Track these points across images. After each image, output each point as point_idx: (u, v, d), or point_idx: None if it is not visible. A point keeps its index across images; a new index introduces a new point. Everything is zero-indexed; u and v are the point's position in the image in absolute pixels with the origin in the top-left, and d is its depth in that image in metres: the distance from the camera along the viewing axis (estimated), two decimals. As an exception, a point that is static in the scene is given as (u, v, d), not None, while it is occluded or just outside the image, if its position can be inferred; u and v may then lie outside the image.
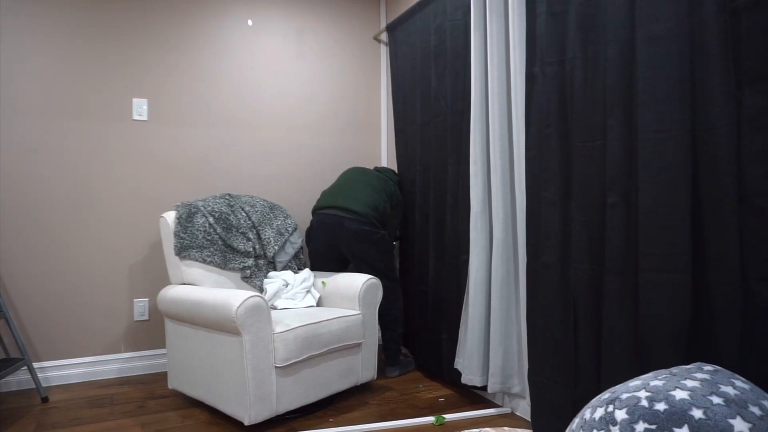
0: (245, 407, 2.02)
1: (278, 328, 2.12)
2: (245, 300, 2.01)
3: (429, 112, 2.77)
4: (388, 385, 2.62)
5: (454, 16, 2.50)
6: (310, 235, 2.81)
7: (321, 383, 2.27)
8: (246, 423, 2.01)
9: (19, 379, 2.62)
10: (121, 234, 2.82)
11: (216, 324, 2.08)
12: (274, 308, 2.53)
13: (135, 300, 2.85)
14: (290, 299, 2.57)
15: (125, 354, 2.82)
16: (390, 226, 2.90)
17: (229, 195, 2.79)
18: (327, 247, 2.74)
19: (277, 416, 2.16)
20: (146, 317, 2.87)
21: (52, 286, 2.69)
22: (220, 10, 3.04)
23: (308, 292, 2.63)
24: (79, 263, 2.74)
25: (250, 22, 3.12)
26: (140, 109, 2.85)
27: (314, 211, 2.82)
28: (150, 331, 2.89)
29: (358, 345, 2.44)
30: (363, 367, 2.46)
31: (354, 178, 2.88)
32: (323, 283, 2.64)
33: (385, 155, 3.50)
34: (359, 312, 2.44)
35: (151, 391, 2.57)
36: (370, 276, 2.51)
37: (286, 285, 2.63)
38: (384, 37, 3.45)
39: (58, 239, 2.70)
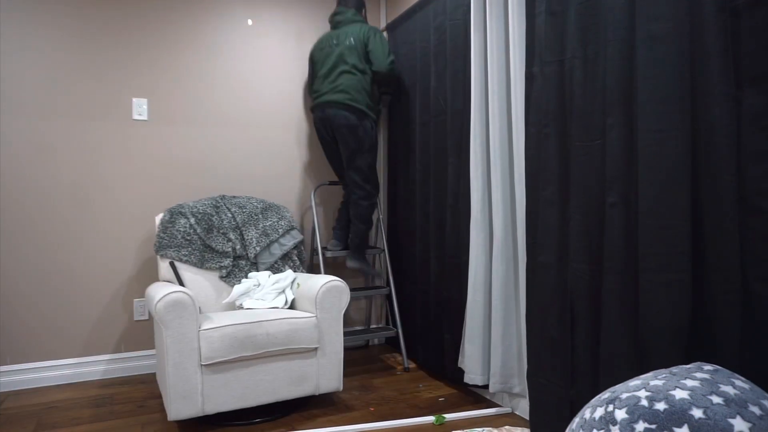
0: (167, 403, 2.03)
1: (205, 325, 2.09)
2: (165, 295, 2.01)
3: (429, 111, 2.77)
4: (388, 385, 2.62)
5: (454, 16, 2.50)
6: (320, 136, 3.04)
7: (264, 388, 2.18)
8: (168, 418, 2.03)
9: (19, 378, 2.62)
10: (122, 234, 2.82)
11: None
12: (241, 307, 2.52)
13: (135, 300, 2.85)
14: (260, 299, 2.53)
15: (126, 354, 2.82)
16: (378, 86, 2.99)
17: (222, 196, 2.81)
18: (328, 145, 3.00)
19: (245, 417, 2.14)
20: (146, 317, 2.87)
21: (53, 286, 2.69)
22: (220, 10, 3.04)
23: (281, 293, 2.56)
24: (80, 263, 2.74)
25: (250, 22, 3.12)
26: (140, 108, 2.85)
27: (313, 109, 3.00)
28: (150, 331, 2.89)
29: (312, 351, 2.29)
30: (321, 376, 2.31)
31: (334, 64, 2.89)
32: (298, 284, 2.55)
33: (384, 155, 3.50)
34: (314, 315, 2.31)
35: (151, 391, 2.57)
36: (333, 278, 2.37)
37: (258, 285, 2.60)
38: (384, 36, 3.44)
39: (59, 239, 2.70)
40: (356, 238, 2.97)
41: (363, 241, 2.98)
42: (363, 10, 3.11)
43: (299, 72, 3.26)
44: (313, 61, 3.03)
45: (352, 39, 2.87)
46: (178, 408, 2.02)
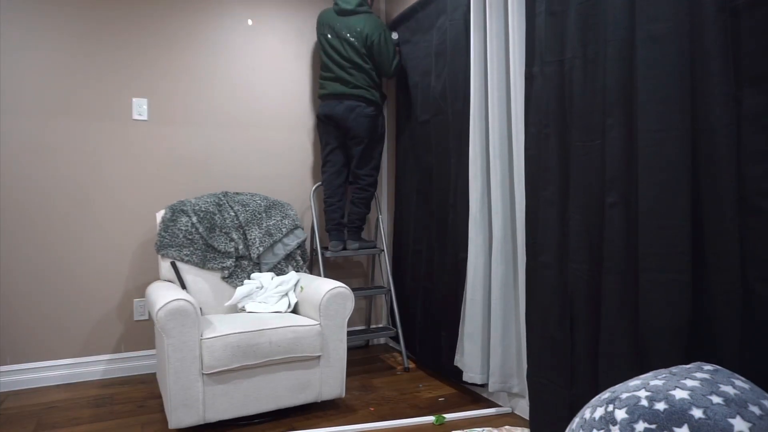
0: (168, 411, 2.01)
1: (207, 334, 2.05)
2: (167, 303, 1.96)
3: (429, 111, 2.77)
4: (388, 385, 2.62)
5: (454, 16, 2.50)
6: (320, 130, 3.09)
7: (266, 396, 2.15)
8: (169, 426, 2.01)
9: (19, 378, 2.62)
10: (122, 234, 2.82)
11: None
12: (243, 310, 2.51)
13: (135, 300, 2.85)
14: (263, 302, 2.49)
15: (126, 354, 2.82)
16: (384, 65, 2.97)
17: (225, 193, 2.78)
18: (329, 135, 3.03)
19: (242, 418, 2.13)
20: (146, 317, 2.87)
21: (53, 286, 2.69)
22: (220, 10, 3.04)
23: (284, 296, 2.52)
24: (80, 263, 2.74)
25: (250, 22, 3.12)
26: (140, 108, 2.85)
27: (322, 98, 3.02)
28: (150, 331, 2.89)
29: (315, 359, 2.25)
30: (323, 383, 2.27)
31: (347, 57, 2.92)
32: (301, 288, 2.52)
33: (385, 154, 3.50)
34: (317, 323, 2.26)
35: (151, 391, 2.57)
36: (338, 284, 2.32)
37: (261, 287, 2.56)
38: (384, 36, 3.44)
39: (59, 239, 2.70)
40: (357, 221, 3.10)
41: (362, 223, 3.15)
42: None
43: (299, 72, 3.26)
44: (322, 45, 3.01)
45: (355, 41, 2.89)
46: (179, 416, 2.00)
